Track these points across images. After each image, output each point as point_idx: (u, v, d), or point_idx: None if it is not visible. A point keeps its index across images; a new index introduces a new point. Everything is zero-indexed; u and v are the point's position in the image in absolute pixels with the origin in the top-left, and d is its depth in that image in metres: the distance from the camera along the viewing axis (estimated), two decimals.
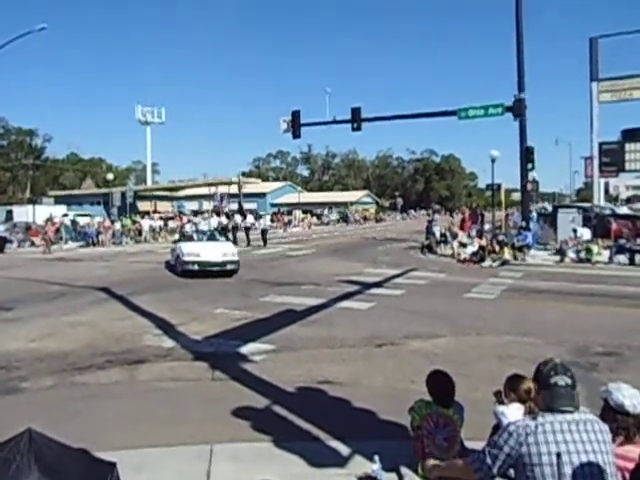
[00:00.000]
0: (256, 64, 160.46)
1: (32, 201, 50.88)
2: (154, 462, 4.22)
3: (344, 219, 61.39)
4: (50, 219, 31.95)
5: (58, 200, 54.11)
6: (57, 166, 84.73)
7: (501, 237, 20.00)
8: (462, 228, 25.53)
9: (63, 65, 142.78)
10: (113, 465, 2.30)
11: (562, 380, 2.60)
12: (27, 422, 2.42)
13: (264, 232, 29.29)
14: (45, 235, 27.00)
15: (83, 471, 2.13)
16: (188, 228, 19.69)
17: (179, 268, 15.85)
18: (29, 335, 8.71)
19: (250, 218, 33.66)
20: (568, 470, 2.46)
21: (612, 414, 3.01)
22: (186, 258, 15.53)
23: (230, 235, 28.29)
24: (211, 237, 18.86)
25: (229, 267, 15.69)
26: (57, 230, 31.31)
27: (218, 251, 16.13)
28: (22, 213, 41.56)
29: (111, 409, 5.52)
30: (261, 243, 28.01)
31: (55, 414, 5.06)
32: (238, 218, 33.11)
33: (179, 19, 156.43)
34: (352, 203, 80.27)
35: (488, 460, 2.66)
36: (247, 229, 31.25)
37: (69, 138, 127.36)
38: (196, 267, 15.40)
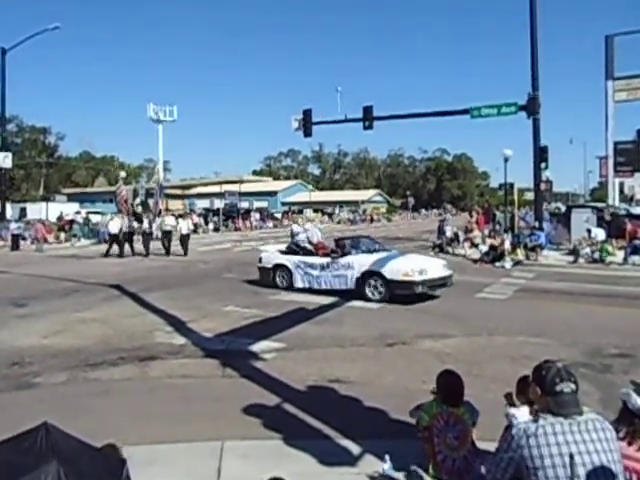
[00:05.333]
0: (268, 63, 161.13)
1: (45, 199, 51.38)
2: (165, 458, 4.24)
3: (351, 219, 60.84)
4: (61, 216, 32.21)
5: (71, 198, 54.74)
6: (70, 164, 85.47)
7: (518, 239, 19.84)
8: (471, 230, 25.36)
9: (76, 64, 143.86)
10: (124, 461, 2.34)
11: (568, 387, 2.57)
12: (40, 417, 2.43)
13: (184, 238, 22.66)
14: (36, 233, 27.02)
15: (97, 465, 2.17)
16: (302, 235, 14.25)
17: (387, 291, 11.11)
18: (42, 331, 8.80)
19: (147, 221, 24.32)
20: (579, 471, 2.43)
21: (630, 417, 2.97)
22: (414, 277, 10.97)
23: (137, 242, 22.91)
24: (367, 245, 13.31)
25: (448, 283, 11.95)
26: (71, 227, 31.65)
27: (440, 265, 12.24)
28: (36, 210, 42.02)
29: (123, 405, 5.56)
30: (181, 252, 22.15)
31: (68, 409, 5.09)
32: (174, 220, 24.97)
33: (192, 17, 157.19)
34: (363, 202, 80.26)
35: (493, 465, 2.66)
36: (148, 235, 23.10)
37: (82, 136, 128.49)
38: (425, 288, 11.18)
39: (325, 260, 12.27)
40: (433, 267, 11.71)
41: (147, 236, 22.83)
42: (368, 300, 11.14)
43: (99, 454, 2.32)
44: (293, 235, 14.30)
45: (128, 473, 2.33)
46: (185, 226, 23.21)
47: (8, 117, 46.58)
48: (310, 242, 13.90)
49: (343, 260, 11.91)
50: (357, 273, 11.52)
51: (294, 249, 13.45)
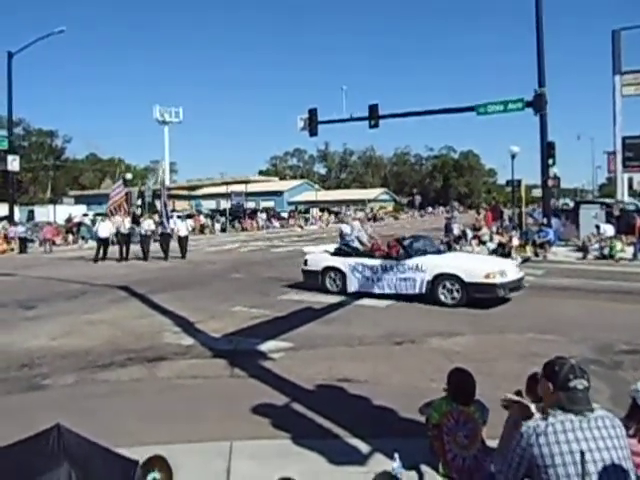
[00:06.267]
0: (273, 62, 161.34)
1: (53, 201, 51.64)
2: (174, 459, 4.19)
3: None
4: (70, 218, 32.33)
5: (78, 200, 54.89)
6: (77, 166, 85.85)
7: (526, 236, 19.77)
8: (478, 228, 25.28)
9: (81, 67, 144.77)
10: (136, 463, 2.34)
11: (581, 384, 2.56)
12: (50, 418, 2.44)
13: (182, 240, 21.72)
14: (44, 235, 27.13)
15: (109, 467, 2.17)
16: (353, 236, 13.30)
17: (464, 295, 10.33)
18: (51, 333, 8.84)
19: (148, 224, 22.38)
20: (590, 468, 2.41)
21: (639, 414, 2.94)
22: (496, 280, 10.19)
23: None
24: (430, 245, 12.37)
25: (522, 285, 11.16)
26: (78, 229, 31.82)
27: (513, 266, 11.55)
28: (43, 213, 42.30)
29: (131, 406, 5.57)
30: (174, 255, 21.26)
31: (77, 410, 5.10)
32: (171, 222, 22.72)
33: (196, 19, 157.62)
34: (370, 201, 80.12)
35: (505, 465, 2.64)
36: (146, 237, 21.72)
37: (88, 139, 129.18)
38: (507, 291, 10.41)
39: (388, 262, 11.31)
40: (510, 268, 10.97)
41: (146, 239, 21.63)
42: (441, 305, 10.48)
43: (112, 456, 2.32)
44: (343, 236, 13.58)
45: (140, 476, 2.33)
46: (183, 228, 22.18)
47: (15, 121, 46.84)
48: (360, 242, 13.12)
49: (411, 262, 10.99)
50: (428, 276, 10.69)
51: (347, 250, 12.50)
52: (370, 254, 12.05)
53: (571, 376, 2.56)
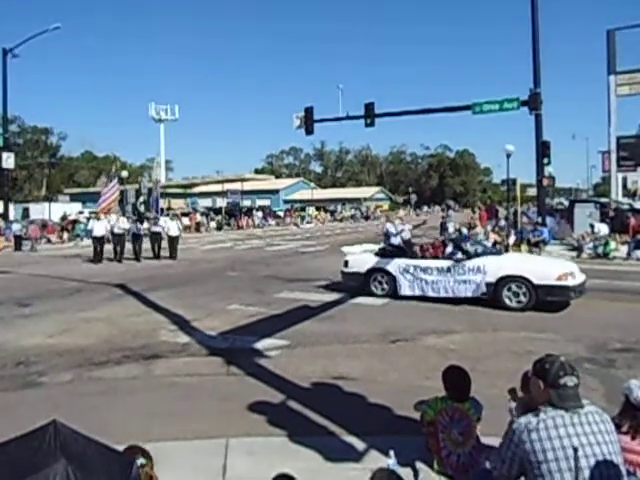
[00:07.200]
0: (269, 61, 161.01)
1: (48, 199, 51.46)
2: (170, 456, 4.23)
3: (353, 216, 61.94)
4: (65, 216, 32.25)
5: (73, 198, 54.77)
6: (72, 164, 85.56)
7: (521, 234, 19.86)
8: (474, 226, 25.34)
9: (77, 63, 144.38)
10: (133, 459, 2.36)
11: (571, 381, 2.60)
12: (46, 416, 2.45)
13: (173, 240, 21.13)
14: (31, 234, 27.13)
15: (105, 463, 2.18)
16: (398, 236, 12.95)
17: (532, 298, 9.72)
18: (46, 331, 8.83)
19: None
20: (582, 463, 2.45)
21: (632, 411, 2.98)
22: (569, 282, 9.67)
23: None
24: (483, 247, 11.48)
25: (585, 289, 10.40)
26: (74, 227, 31.73)
27: (578, 268, 10.62)
28: (38, 211, 42.19)
29: (127, 403, 5.57)
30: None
31: (73, 408, 5.12)
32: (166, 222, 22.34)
33: (193, 17, 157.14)
34: (365, 199, 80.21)
35: (499, 462, 2.68)
36: (138, 236, 21.04)
37: (84, 136, 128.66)
38: (577, 294, 9.96)
39: (444, 263, 10.65)
40: (576, 270, 10.29)
41: (138, 237, 20.96)
42: (506, 308, 9.85)
43: (108, 452, 2.33)
44: (388, 236, 13.11)
45: (138, 472, 2.35)
46: (174, 227, 21.46)
47: (10, 118, 46.68)
48: (405, 242, 12.57)
49: (471, 263, 10.36)
50: (491, 278, 10.10)
51: (393, 251, 11.79)
52: (420, 255, 11.37)
53: (561, 373, 2.60)
